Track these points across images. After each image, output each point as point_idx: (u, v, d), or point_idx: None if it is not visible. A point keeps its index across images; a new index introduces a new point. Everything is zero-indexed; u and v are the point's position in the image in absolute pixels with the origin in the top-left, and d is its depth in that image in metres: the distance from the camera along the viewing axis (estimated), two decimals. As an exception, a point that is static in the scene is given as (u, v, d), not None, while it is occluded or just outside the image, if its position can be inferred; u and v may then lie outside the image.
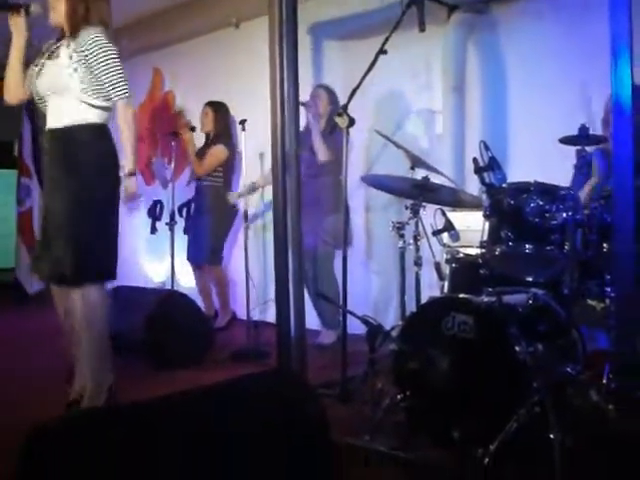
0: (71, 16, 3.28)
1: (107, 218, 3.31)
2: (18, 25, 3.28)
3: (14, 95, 3.41)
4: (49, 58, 3.31)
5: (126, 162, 3.34)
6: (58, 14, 3.29)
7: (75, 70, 3.22)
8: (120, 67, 3.28)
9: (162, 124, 6.94)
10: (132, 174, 3.37)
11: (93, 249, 3.24)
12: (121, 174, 3.33)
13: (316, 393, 3.21)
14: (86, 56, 3.22)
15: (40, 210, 3.41)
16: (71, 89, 3.24)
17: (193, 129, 5.77)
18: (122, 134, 3.33)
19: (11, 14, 3.26)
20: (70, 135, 3.27)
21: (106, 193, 3.30)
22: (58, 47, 3.31)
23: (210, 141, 5.73)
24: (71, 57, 3.23)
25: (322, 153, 4.76)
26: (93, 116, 3.28)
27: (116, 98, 3.29)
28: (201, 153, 5.69)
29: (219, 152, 5.61)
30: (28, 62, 3.40)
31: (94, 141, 3.30)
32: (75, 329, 3.35)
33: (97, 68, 3.23)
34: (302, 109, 4.74)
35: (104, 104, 3.30)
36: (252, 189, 5.32)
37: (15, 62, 3.35)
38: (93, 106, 3.27)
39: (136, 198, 3.46)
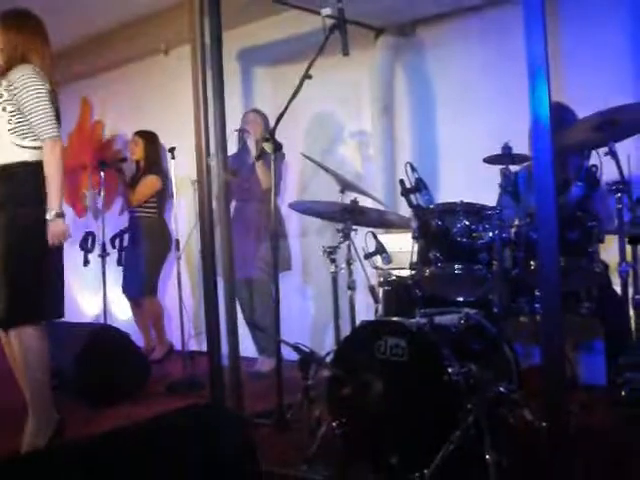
0: (5, 53, 3.24)
1: (41, 258, 3.24)
2: None
3: None
4: None
5: (51, 204, 3.22)
6: None
7: (4, 109, 3.18)
8: (47, 107, 3.21)
9: (91, 154, 6.81)
10: (59, 216, 3.25)
11: (26, 290, 3.20)
12: (47, 216, 3.22)
13: (249, 425, 3.17)
14: (15, 95, 3.17)
15: None
16: (6, 126, 3.18)
17: (124, 160, 5.69)
18: (47, 175, 3.23)
19: None
20: (7, 175, 3.20)
21: (40, 232, 3.21)
22: None
23: (142, 171, 5.65)
24: (1, 95, 3.18)
25: (264, 181, 4.68)
26: (27, 155, 3.22)
27: (46, 137, 3.21)
28: (133, 182, 5.61)
29: (152, 182, 5.54)
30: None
31: (27, 181, 3.22)
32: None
33: (25, 107, 3.17)
34: (237, 135, 4.75)
35: (34, 144, 3.23)
36: None
37: None
38: (22, 147, 3.21)
39: (67, 238, 3.35)
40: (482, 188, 3.77)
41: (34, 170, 3.22)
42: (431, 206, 3.02)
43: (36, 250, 3.23)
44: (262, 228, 4.80)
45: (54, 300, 3.33)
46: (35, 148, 3.23)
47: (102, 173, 5.68)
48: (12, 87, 3.17)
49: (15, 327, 3.20)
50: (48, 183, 3.23)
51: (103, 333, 4.62)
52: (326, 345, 4.80)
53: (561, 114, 3.49)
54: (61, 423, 3.35)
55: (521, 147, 3.19)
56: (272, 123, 4.69)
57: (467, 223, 2.87)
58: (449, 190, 4.14)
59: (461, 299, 3.07)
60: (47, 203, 3.21)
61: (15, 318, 3.21)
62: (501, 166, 3.01)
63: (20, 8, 3.35)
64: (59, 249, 3.30)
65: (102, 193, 5.68)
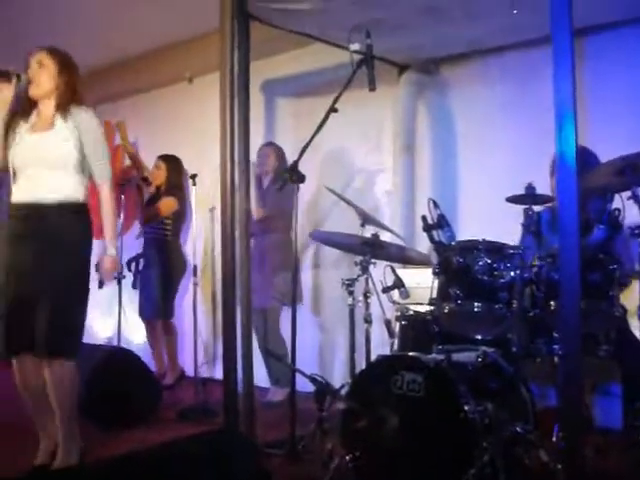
0: (63, 92, 3.29)
1: (84, 295, 3.31)
2: (4, 94, 3.21)
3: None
4: (33, 129, 3.26)
5: (109, 241, 3.37)
6: (41, 88, 3.26)
7: (74, 146, 3.23)
8: (107, 150, 3.38)
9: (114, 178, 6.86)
10: (113, 256, 3.40)
11: (72, 325, 3.28)
12: (108, 252, 3.38)
13: (262, 453, 3.16)
14: (82, 134, 3.24)
15: (7, 281, 3.30)
16: (68, 164, 3.23)
17: (145, 179, 5.73)
18: (105, 214, 3.37)
19: (0, 81, 3.19)
20: (59, 211, 3.23)
21: (86, 271, 3.31)
22: (46, 118, 3.27)
23: (161, 194, 5.68)
24: (69, 132, 3.23)
25: (255, 212, 4.74)
26: (79, 193, 3.29)
27: (102, 179, 3.35)
28: (149, 204, 5.65)
29: (169, 203, 5.57)
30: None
31: (80, 219, 3.30)
32: (36, 396, 3.33)
33: (88, 149, 3.27)
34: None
35: (85, 183, 3.32)
36: None
37: (1, 131, 3.24)
38: (79, 185, 3.28)
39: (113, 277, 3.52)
40: (501, 227, 3.79)
41: (86, 209, 3.32)
42: (453, 243, 3.04)
43: (85, 285, 3.31)
44: (277, 257, 4.83)
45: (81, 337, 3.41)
46: (84, 187, 3.32)
47: (122, 196, 5.72)
48: (78, 125, 3.24)
49: (59, 358, 3.22)
50: (106, 219, 3.36)
51: (117, 356, 4.62)
52: (335, 377, 4.79)
53: (584, 157, 3.51)
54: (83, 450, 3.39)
55: (539, 186, 3.20)
56: (294, 154, 4.79)
57: (488, 261, 2.89)
58: (468, 227, 4.14)
59: (479, 337, 3.07)
60: (91, 239, 3.32)
61: (59, 349, 3.22)
62: (524, 206, 3.02)
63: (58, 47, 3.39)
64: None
65: (121, 216, 5.71)
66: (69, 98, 3.31)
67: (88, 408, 4.23)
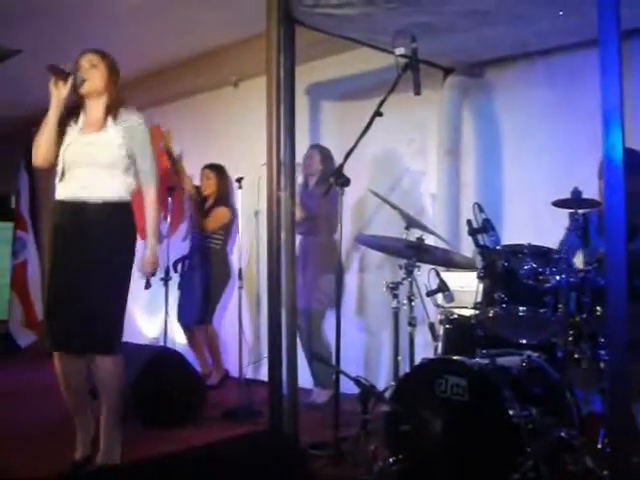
0: (113, 94, 3.40)
1: (127, 292, 3.40)
2: (60, 91, 3.25)
3: (45, 159, 3.33)
4: (83, 130, 3.34)
5: (152, 238, 3.48)
6: (93, 86, 3.34)
7: (123, 148, 3.32)
8: (153, 153, 3.50)
9: (159, 180, 6.96)
10: (154, 253, 3.51)
11: (119, 320, 3.37)
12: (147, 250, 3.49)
13: (308, 455, 3.18)
14: (132, 137, 3.34)
15: (51, 277, 3.38)
16: (117, 165, 3.32)
17: (197, 188, 5.81)
18: (148, 218, 3.47)
19: (57, 79, 3.24)
20: (106, 209, 3.31)
21: (130, 268, 3.40)
22: (95, 120, 3.36)
23: (212, 203, 5.75)
24: (120, 134, 3.32)
25: (297, 212, 4.77)
26: (125, 193, 3.38)
27: (148, 181, 3.46)
28: (204, 214, 5.73)
29: (223, 214, 5.66)
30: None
31: (125, 218, 3.39)
32: (77, 392, 3.41)
33: (137, 151, 3.37)
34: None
35: (131, 182, 3.41)
36: None
37: (51, 127, 3.28)
38: (126, 185, 3.38)
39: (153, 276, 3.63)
40: (547, 231, 3.78)
41: (130, 208, 3.42)
42: (498, 247, 3.04)
43: (128, 282, 3.39)
44: (321, 259, 4.86)
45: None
46: (130, 187, 3.41)
47: (169, 199, 5.80)
48: (128, 128, 3.34)
49: (111, 355, 3.31)
50: (151, 223, 3.47)
51: (163, 356, 4.70)
52: (379, 379, 4.80)
53: (632, 159, 3.47)
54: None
55: (586, 190, 3.18)
56: (338, 157, 4.81)
57: (534, 265, 2.88)
58: (513, 231, 4.13)
59: (524, 341, 3.06)
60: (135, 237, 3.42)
61: (106, 344, 3.30)
62: (570, 210, 3.01)
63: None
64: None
65: (168, 218, 5.80)
66: (118, 100, 3.40)
67: (134, 408, 4.31)
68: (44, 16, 5.22)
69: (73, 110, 3.38)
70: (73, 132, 3.34)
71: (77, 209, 3.30)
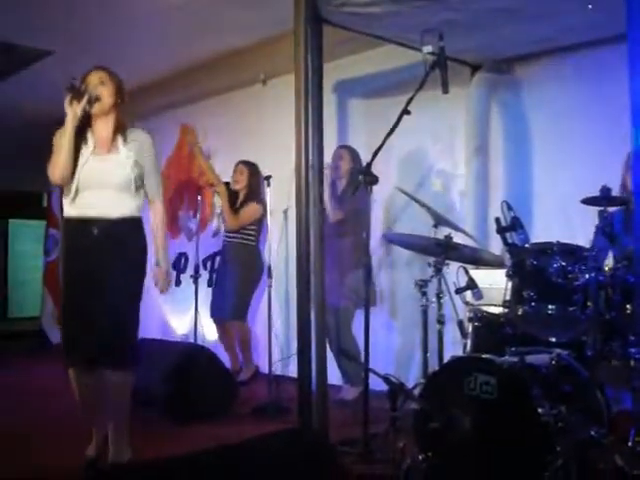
0: (120, 113, 3.44)
1: (138, 305, 3.44)
2: (75, 109, 3.27)
3: (62, 177, 3.33)
4: (94, 151, 3.36)
5: (163, 255, 3.55)
6: (103, 104, 3.36)
7: (135, 169, 3.38)
8: (158, 167, 3.59)
9: (188, 178, 7.04)
10: (165, 268, 3.56)
11: (134, 334, 3.42)
12: (162, 265, 3.56)
13: (338, 452, 3.20)
14: (142, 156, 3.41)
15: (65, 296, 3.45)
16: (128, 186, 3.37)
17: (227, 184, 5.85)
18: (158, 232, 3.55)
19: (73, 98, 3.26)
20: (120, 226, 3.36)
21: (142, 283, 3.45)
22: (104, 140, 3.39)
23: (243, 199, 5.79)
24: (131, 155, 3.38)
25: (332, 214, 4.81)
26: (137, 209, 3.44)
27: (156, 196, 3.53)
28: (235, 209, 5.77)
29: (255, 210, 5.68)
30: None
31: (138, 233, 3.45)
32: (92, 403, 3.46)
33: (147, 168, 3.44)
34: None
35: (142, 197, 3.48)
36: None
37: (68, 146, 3.29)
38: (135, 200, 3.43)
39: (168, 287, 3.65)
40: (576, 229, 3.77)
41: (141, 223, 3.47)
42: (527, 245, 3.03)
43: (139, 298, 3.44)
44: (350, 257, 4.87)
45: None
46: (141, 203, 3.48)
47: (199, 197, 5.85)
48: (137, 148, 3.40)
49: (124, 369, 3.36)
50: (157, 240, 3.54)
51: (194, 352, 4.76)
52: (408, 376, 4.80)
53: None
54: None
55: (615, 187, 3.16)
56: (366, 155, 4.81)
57: (563, 264, 2.87)
58: (542, 229, 4.11)
59: (553, 339, 3.05)
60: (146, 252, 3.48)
61: (122, 359, 3.34)
62: (599, 208, 2.99)
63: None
64: None
65: (198, 216, 5.85)
66: (125, 120, 3.46)
67: (165, 404, 4.37)
68: (74, 18, 5.29)
69: (80, 130, 3.35)
70: (86, 152, 3.35)
71: (89, 228, 3.33)
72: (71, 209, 3.38)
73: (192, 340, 5.83)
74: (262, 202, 5.67)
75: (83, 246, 3.36)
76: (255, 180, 5.78)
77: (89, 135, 3.38)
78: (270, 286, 4.92)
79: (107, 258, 3.32)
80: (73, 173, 3.31)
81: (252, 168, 5.80)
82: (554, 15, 3.86)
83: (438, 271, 3.58)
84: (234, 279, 5.67)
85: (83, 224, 3.35)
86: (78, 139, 3.33)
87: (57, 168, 3.30)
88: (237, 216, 5.67)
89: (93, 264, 3.32)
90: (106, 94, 3.36)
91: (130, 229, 3.41)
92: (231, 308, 5.66)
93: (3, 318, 9.63)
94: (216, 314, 5.82)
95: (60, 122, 3.38)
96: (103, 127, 3.39)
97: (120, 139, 3.39)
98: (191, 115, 7.16)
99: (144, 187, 3.47)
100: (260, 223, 5.71)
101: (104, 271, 3.31)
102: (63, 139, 3.28)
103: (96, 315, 3.27)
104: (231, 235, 5.75)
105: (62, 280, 3.48)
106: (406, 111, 3.46)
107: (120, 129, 3.41)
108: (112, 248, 3.33)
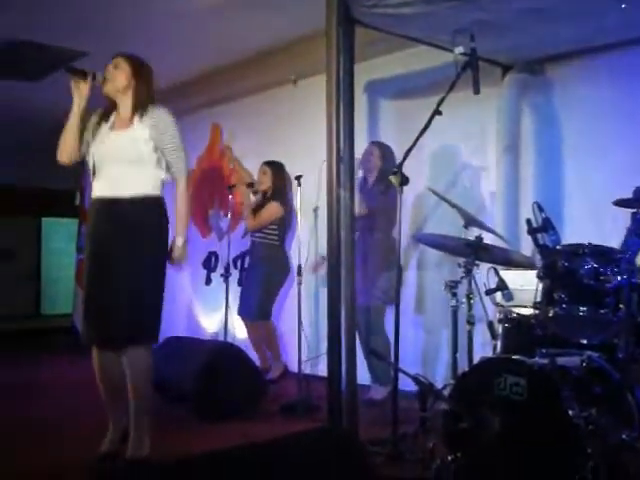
0: (138, 92, 3.49)
1: (160, 284, 3.47)
2: (81, 90, 3.43)
3: (68, 156, 3.51)
4: (113, 128, 3.48)
5: (181, 231, 3.55)
6: (114, 85, 3.46)
7: (151, 143, 3.41)
8: (182, 144, 3.53)
9: (219, 178, 7.10)
10: (185, 242, 3.57)
11: (150, 313, 3.42)
12: (177, 242, 3.55)
13: (367, 452, 3.22)
14: (161, 133, 3.44)
15: (86, 275, 3.52)
16: (145, 160, 3.41)
17: (250, 185, 5.88)
18: (179, 207, 3.56)
19: (76, 79, 3.41)
20: (137, 205, 3.41)
21: (162, 262, 3.49)
22: (124, 118, 3.48)
23: (266, 198, 5.84)
24: (146, 130, 3.42)
25: (357, 207, 4.82)
26: (155, 188, 3.46)
27: (179, 173, 3.53)
28: (257, 209, 5.80)
29: (273, 209, 5.71)
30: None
31: (156, 212, 3.48)
32: (113, 385, 3.50)
33: (167, 145, 3.45)
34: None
35: (164, 177, 3.50)
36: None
37: (73, 125, 3.46)
38: (158, 180, 3.47)
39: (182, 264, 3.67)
40: (607, 230, 3.74)
41: (162, 202, 3.50)
42: (558, 247, 3.02)
43: (160, 274, 3.46)
44: (380, 257, 4.88)
45: (160, 325, 3.52)
46: (161, 182, 3.49)
47: (230, 196, 5.90)
48: (156, 124, 3.43)
49: (135, 347, 3.38)
50: (180, 213, 3.54)
51: (224, 350, 4.80)
52: (437, 377, 4.80)
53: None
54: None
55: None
56: (396, 155, 4.83)
57: (595, 265, 2.85)
58: (574, 230, 4.09)
59: (584, 341, 3.03)
60: (167, 231, 3.50)
61: (137, 337, 3.39)
62: (632, 210, 2.98)
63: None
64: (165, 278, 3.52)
65: (229, 215, 5.89)
66: (145, 98, 3.49)
67: (195, 401, 4.41)
68: (109, 18, 5.35)
69: (107, 111, 3.53)
70: (103, 130, 3.48)
71: (108, 205, 3.42)
72: (93, 188, 3.50)
73: (222, 338, 5.87)
74: (284, 201, 5.70)
75: (98, 226, 3.46)
76: (278, 180, 5.81)
77: (113, 115, 3.51)
78: (300, 284, 4.94)
79: (119, 236, 3.38)
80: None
81: (275, 168, 5.84)
82: (587, 15, 3.84)
83: (468, 272, 3.57)
84: (258, 278, 5.72)
85: (100, 204, 3.45)
86: (102, 120, 3.51)
87: (62, 146, 3.49)
88: (255, 216, 5.71)
89: (106, 244, 3.41)
90: (119, 76, 3.44)
91: (144, 208, 3.43)
92: (255, 308, 5.70)
93: (36, 315, 9.78)
94: (242, 313, 5.86)
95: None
96: (124, 106, 3.50)
97: (137, 116, 3.45)
98: (222, 115, 7.22)
99: (166, 165, 3.49)
100: (282, 222, 5.73)
101: (116, 250, 3.37)
102: (70, 119, 3.45)
103: (108, 296, 3.34)
104: (255, 234, 5.80)
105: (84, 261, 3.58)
106: (438, 112, 3.47)
107: (138, 107, 3.46)
108: (124, 226, 3.39)
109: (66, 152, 3.50)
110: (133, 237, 3.38)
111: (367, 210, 4.86)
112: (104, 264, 3.40)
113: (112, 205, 3.41)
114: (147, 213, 3.44)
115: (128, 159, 3.40)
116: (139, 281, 3.36)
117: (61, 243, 9.86)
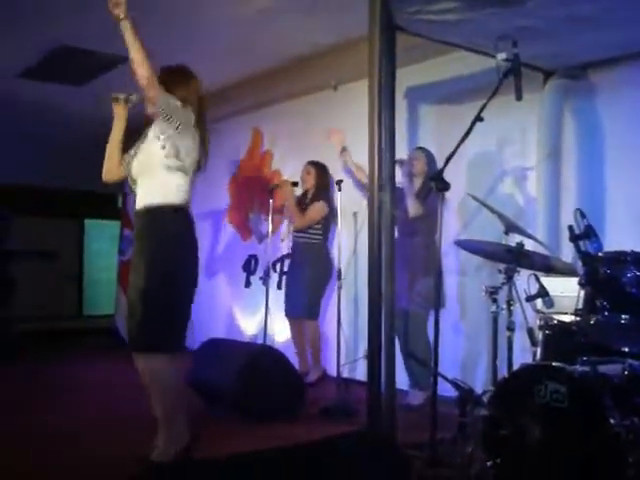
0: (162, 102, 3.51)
1: (177, 292, 3.45)
2: (119, 113, 3.61)
3: (111, 176, 3.69)
4: (142, 142, 3.58)
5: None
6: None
7: (160, 136, 3.44)
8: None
9: (260, 181, 7.17)
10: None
11: (156, 322, 3.40)
12: None
13: (407, 457, 3.23)
14: (164, 129, 3.45)
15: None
16: (155, 166, 3.46)
17: (295, 184, 5.93)
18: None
19: (117, 104, 3.59)
20: (145, 216, 3.49)
21: (180, 269, 3.46)
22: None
23: (310, 198, 5.88)
24: (156, 130, 3.47)
25: (412, 208, 4.86)
26: (166, 197, 3.45)
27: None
28: (301, 208, 5.85)
29: (320, 208, 5.77)
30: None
31: (160, 221, 3.46)
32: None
33: (174, 121, 3.44)
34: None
35: (185, 184, 3.49)
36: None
37: (114, 146, 3.63)
38: (168, 184, 3.45)
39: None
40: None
41: (183, 211, 3.50)
42: (600, 254, 3.01)
43: (178, 281, 3.45)
44: (421, 262, 4.89)
45: (180, 334, 3.53)
46: (182, 190, 3.49)
47: (270, 200, 5.95)
48: (163, 117, 3.43)
49: (142, 353, 3.43)
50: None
51: (263, 353, 4.84)
52: (477, 383, 4.79)
53: None
54: (192, 441, 3.52)
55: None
56: (437, 160, 4.83)
57: (637, 273, 2.83)
58: (615, 238, 4.05)
59: (626, 349, 3.01)
60: (189, 241, 3.54)
61: (142, 345, 3.43)
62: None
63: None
64: (192, 288, 3.53)
65: (270, 218, 5.94)
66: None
67: (234, 402, 4.46)
68: (150, 23, 5.42)
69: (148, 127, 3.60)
70: (135, 149, 3.61)
71: (136, 217, 3.55)
72: None
73: (261, 341, 5.92)
74: (329, 201, 5.74)
75: (133, 239, 3.61)
76: (322, 180, 5.86)
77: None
78: (340, 288, 4.97)
79: (138, 247, 3.49)
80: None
81: (319, 168, 5.89)
82: (631, 22, 3.81)
83: (509, 278, 3.56)
84: (304, 277, 5.77)
85: (134, 217, 3.61)
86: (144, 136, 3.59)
87: (105, 166, 3.69)
88: (304, 215, 5.76)
89: (133, 254, 3.55)
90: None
91: (148, 219, 3.47)
92: (304, 307, 5.75)
93: (79, 315, 9.95)
94: (291, 312, 5.90)
95: (132, 125, 3.59)
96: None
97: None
98: (263, 119, 7.29)
99: (183, 163, 3.47)
100: (326, 221, 5.79)
101: (136, 259, 3.48)
102: (110, 140, 3.65)
103: (130, 304, 3.47)
104: (299, 234, 5.85)
105: None
106: (479, 118, 3.46)
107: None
108: (136, 239, 3.52)
109: (108, 172, 3.68)
110: (140, 249, 3.47)
111: (423, 211, 4.88)
112: (130, 276, 3.52)
113: (137, 216, 3.54)
114: (150, 224, 3.48)
115: (143, 170, 3.51)
116: (148, 289, 3.38)
117: (103, 245, 10.02)
